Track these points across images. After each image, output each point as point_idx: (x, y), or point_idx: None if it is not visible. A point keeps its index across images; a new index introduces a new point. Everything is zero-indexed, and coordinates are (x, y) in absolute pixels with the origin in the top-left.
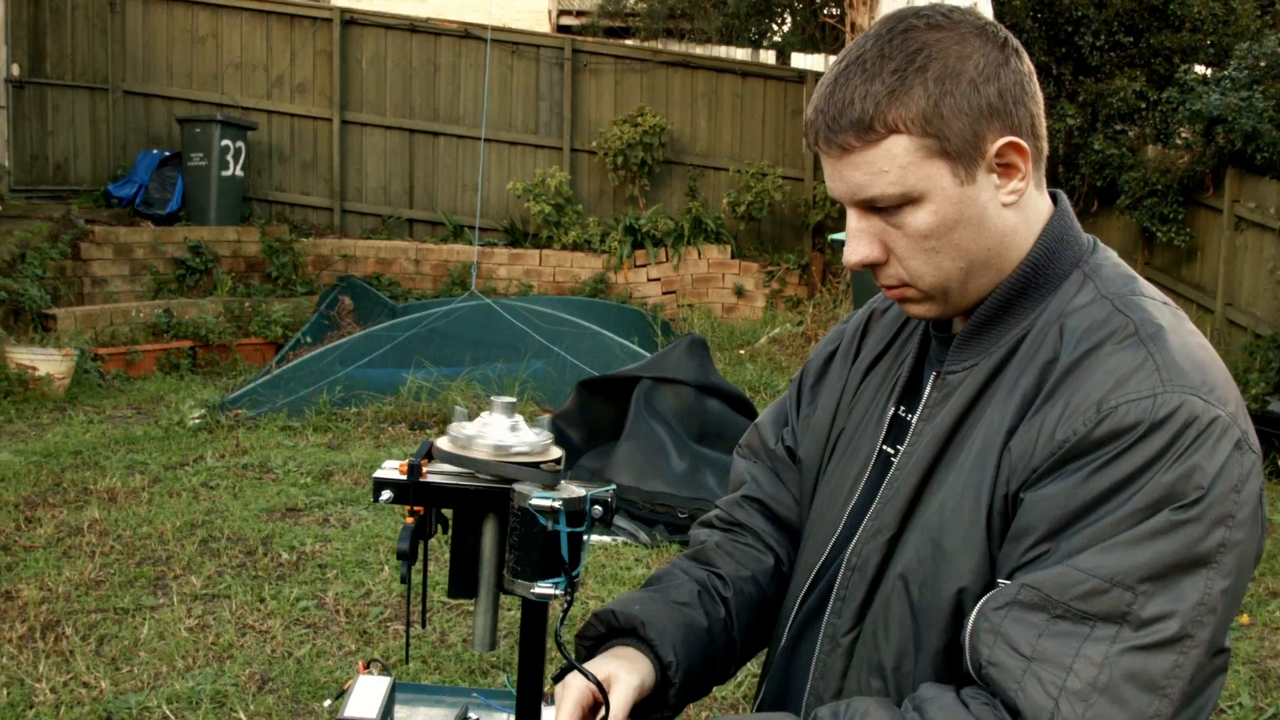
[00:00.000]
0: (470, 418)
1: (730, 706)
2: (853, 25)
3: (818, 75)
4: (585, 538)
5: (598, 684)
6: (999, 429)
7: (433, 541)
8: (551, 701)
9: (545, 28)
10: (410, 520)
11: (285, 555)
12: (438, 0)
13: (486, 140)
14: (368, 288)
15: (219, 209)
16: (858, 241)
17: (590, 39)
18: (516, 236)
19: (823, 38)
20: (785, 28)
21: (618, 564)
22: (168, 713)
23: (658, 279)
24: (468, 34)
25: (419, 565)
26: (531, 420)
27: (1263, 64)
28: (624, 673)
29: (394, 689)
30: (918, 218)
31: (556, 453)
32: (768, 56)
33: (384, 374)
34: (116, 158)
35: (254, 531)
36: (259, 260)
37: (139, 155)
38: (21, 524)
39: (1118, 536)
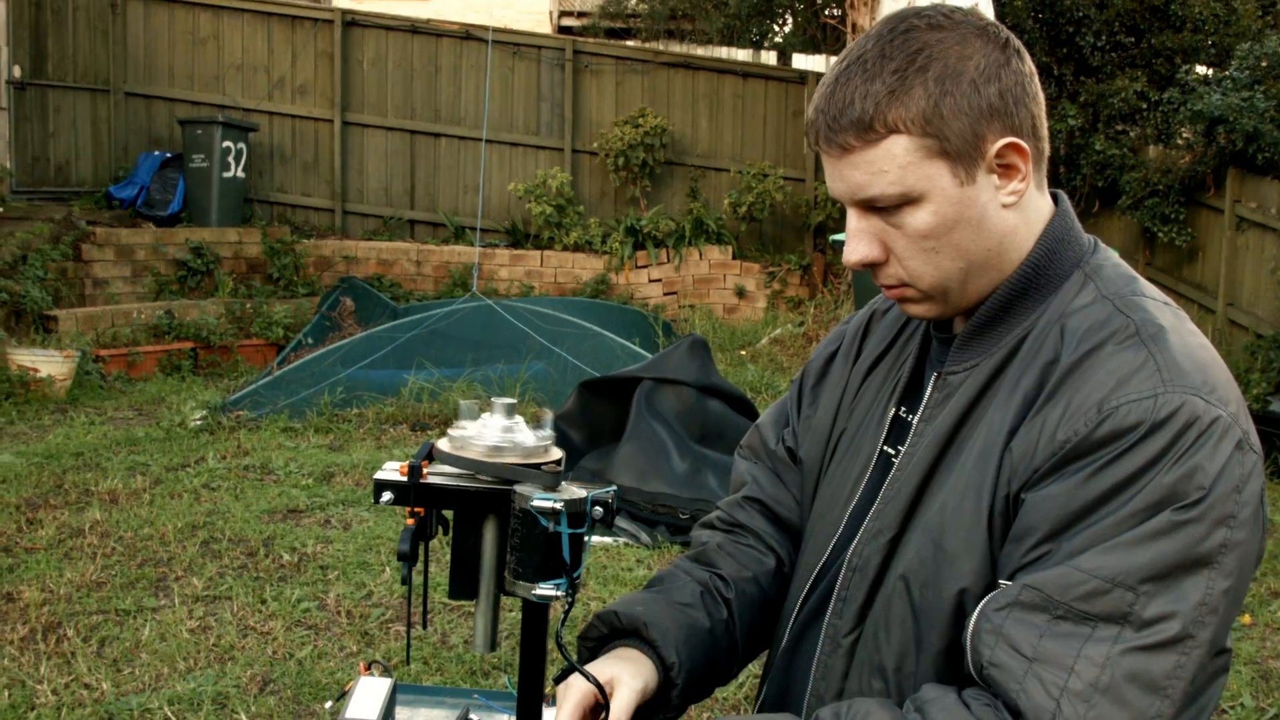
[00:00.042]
0: (479, 412)
1: (731, 707)
2: (854, 26)
3: (819, 76)
4: (586, 539)
5: (598, 686)
6: (1000, 430)
7: (434, 542)
8: (553, 703)
9: (546, 29)
10: (411, 522)
11: (286, 556)
12: (439, 1)
13: (488, 141)
14: (369, 289)
15: (220, 210)
16: (857, 241)
17: (591, 40)
18: (518, 237)
19: (824, 39)
20: (786, 29)
21: (619, 565)
22: (169, 714)
23: (659, 280)
24: (469, 35)
25: (420, 566)
26: (532, 421)
27: (1264, 64)
28: (627, 676)
29: (395, 690)
30: (917, 218)
31: (557, 454)
32: (769, 57)
33: (385, 375)
34: (118, 159)
35: (255, 533)
36: (260, 261)
37: (140, 157)
38: (23, 525)
39: (1119, 537)
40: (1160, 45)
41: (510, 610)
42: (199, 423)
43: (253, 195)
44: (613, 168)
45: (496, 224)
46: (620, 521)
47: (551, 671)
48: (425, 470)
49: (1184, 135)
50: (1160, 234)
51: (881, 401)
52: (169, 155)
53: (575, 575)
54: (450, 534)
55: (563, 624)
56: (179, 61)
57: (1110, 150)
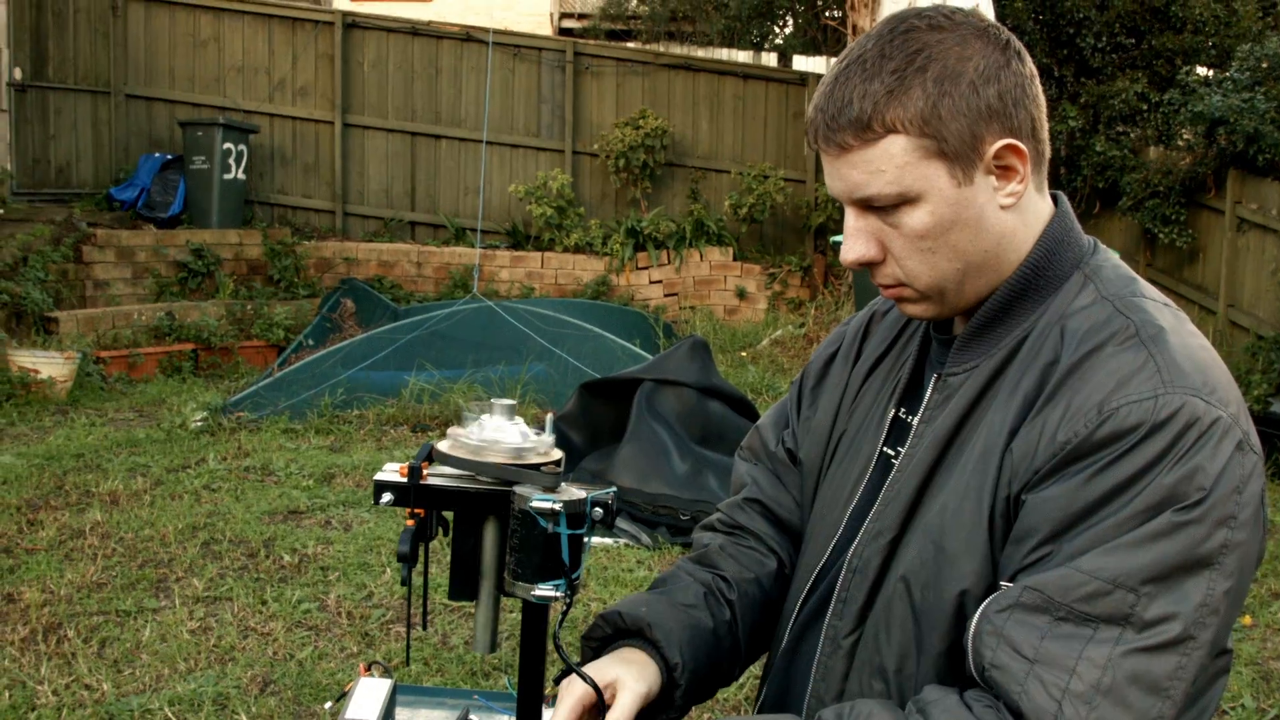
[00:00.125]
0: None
1: (732, 708)
2: (854, 27)
3: (819, 78)
4: (586, 540)
5: (595, 687)
6: (1000, 431)
7: (434, 543)
8: (554, 704)
9: (547, 30)
10: (411, 523)
11: (287, 557)
12: (439, 3)
13: (488, 143)
14: (370, 290)
15: (221, 212)
16: (855, 240)
17: (592, 42)
18: (518, 239)
19: (824, 40)
20: (787, 30)
21: (619, 566)
22: (169, 715)
23: (659, 281)
24: (469, 37)
25: (420, 568)
26: (533, 422)
27: (1264, 65)
28: (631, 680)
29: (395, 691)
30: (914, 218)
31: (557, 455)
32: (769, 59)
33: (386, 376)
34: (118, 161)
35: (256, 534)
36: (261, 263)
37: (141, 158)
38: (23, 526)
39: (1120, 538)
40: (1161, 46)
41: (510, 611)
42: (200, 424)
43: (253, 197)
44: (613, 169)
45: (497, 225)
46: (621, 523)
47: (551, 672)
48: (425, 471)
49: (1185, 136)
50: (1161, 235)
51: (881, 403)
52: (170, 157)
53: (574, 576)
54: (450, 535)
55: (560, 625)
56: (180, 63)
57: (1111, 151)
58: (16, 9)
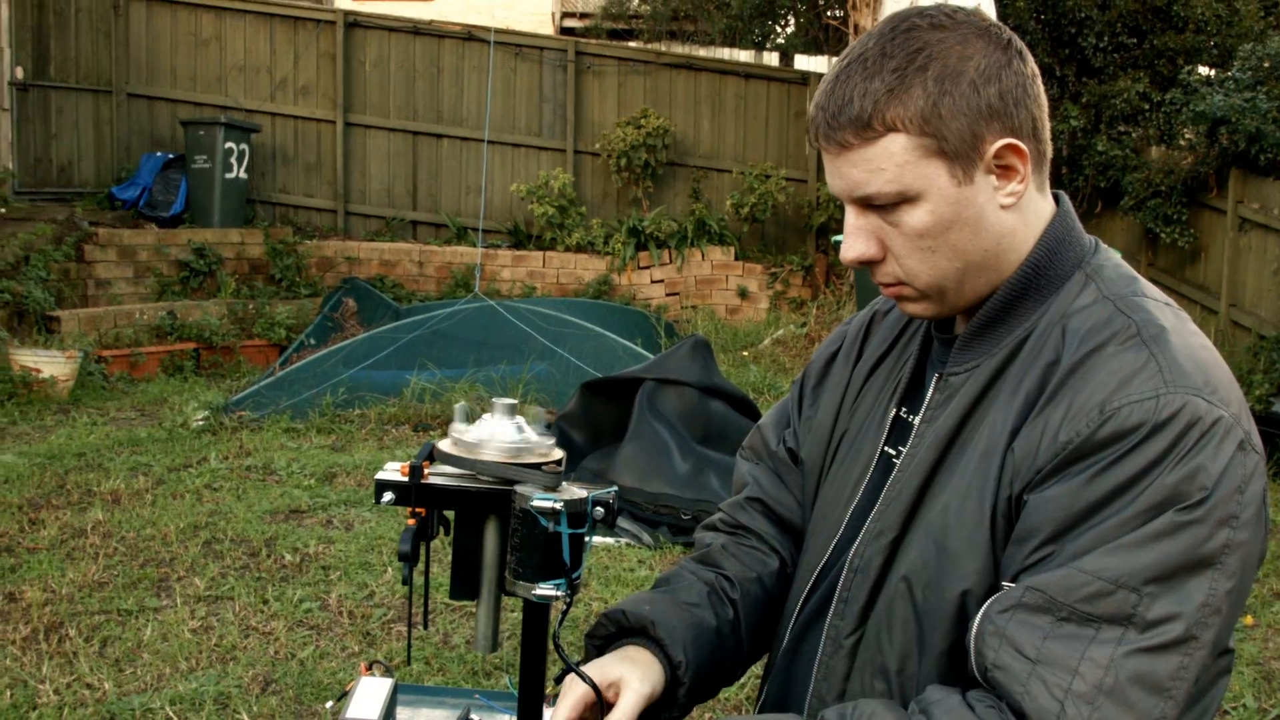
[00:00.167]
0: (472, 418)
1: (733, 708)
2: (856, 27)
3: (821, 77)
4: (587, 539)
5: (594, 687)
6: (1002, 430)
7: (436, 542)
8: (555, 703)
9: (548, 30)
10: (412, 522)
11: (288, 557)
12: (441, 3)
13: (490, 142)
14: (371, 290)
15: (223, 211)
16: (855, 238)
17: (594, 41)
18: (520, 238)
19: (826, 40)
20: (788, 30)
21: (621, 565)
22: (171, 714)
23: (661, 281)
24: (471, 36)
25: (421, 567)
26: (532, 421)
27: (1266, 65)
28: (636, 681)
29: (396, 690)
30: (914, 216)
31: (558, 454)
32: (771, 58)
33: (387, 376)
34: (120, 160)
35: (257, 533)
36: (263, 262)
37: (143, 158)
38: (25, 525)
39: (1122, 538)
40: (1162, 46)
41: (512, 610)
42: (201, 423)
43: (255, 196)
44: (615, 169)
45: (499, 225)
46: (622, 522)
47: (552, 672)
48: (426, 470)
49: (1186, 136)
50: (1163, 235)
51: (883, 402)
52: (171, 156)
53: (575, 576)
54: (451, 534)
55: (560, 624)
56: (181, 62)
57: (1112, 151)
58: (18, 8)
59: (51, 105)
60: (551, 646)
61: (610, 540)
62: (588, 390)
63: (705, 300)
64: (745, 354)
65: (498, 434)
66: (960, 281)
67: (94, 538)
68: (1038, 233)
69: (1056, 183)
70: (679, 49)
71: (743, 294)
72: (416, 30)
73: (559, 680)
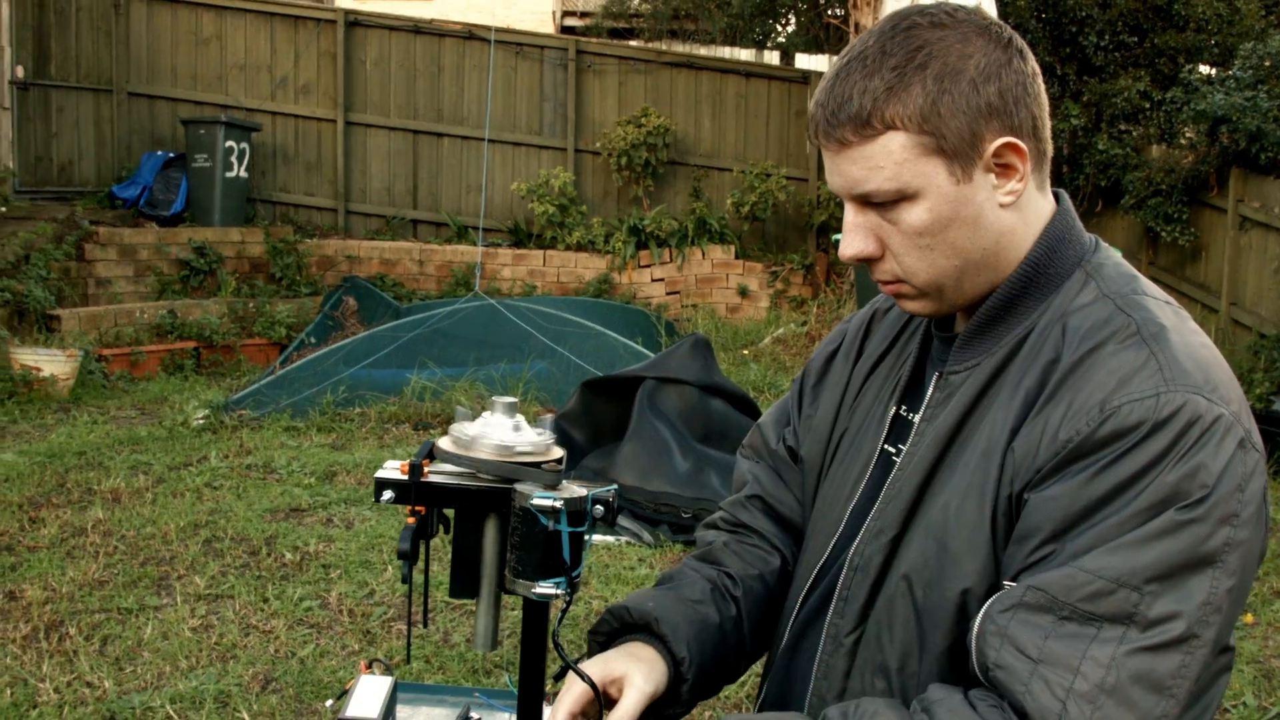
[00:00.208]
0: (474, 417)
1: (734, 706)
2: (857, 26)
3: (822, 76)
4: (586, 538)
5: (593, 686)
6: (1002, 429)
7: (436, 540)
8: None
9: (549, 29)
10: (412, 520)
11: (289, 555)
12: (442, 1)
13: (491, 141)
14: (372, 288)
15: (223, 210)
16: (853, 235)
17: (594, 40)
18: (520, 237)
19: (827, 38)
20: (789, 29)
21: (621, 564)
22: (171, 713)
23: (662, 279)
24: (472, 35)
25: (421, 565)
26: (534, 420)
27: (1267, 64)
28: (640, 679)
29: (395, 688)
30: (913, 214)
31: (558, 452)
32: (772, 57)
33: (388, 374)
34: (121, 159)
35: (257, 532)
36: (263, 261)
37: (143, 156)
38: (26, 524)
39: (1123, 537)
40: (1163, 45)
41: (512, 609)
42: (201, 422)
43: (256, 195)
44: (615, 167)
45: (499, 224)
46: (622, 520)
47: (552, 670)
48: (426, 469)
49: (1187, 135)
50: (1163, 233)
51: (883, 400)
52: (172, 155)
53: (575, 574)
54: (451, 532)
55: (559, 623)
56: (182, 61)
57: (1113, 150)
58: (19, 7)
59: (52, 104)
60: (551, 645)
61: (610, 538)
62: (588, 389)
63: (706, 299)
64: (746, 353)
65: (497, 432)
66: (959, 280)
67: (94, 536)
68: (1037, 231)
69: (1057, 181)
70: (680, 48)
71: (743, 293)
72: (417, 29)
73: (558, 678)
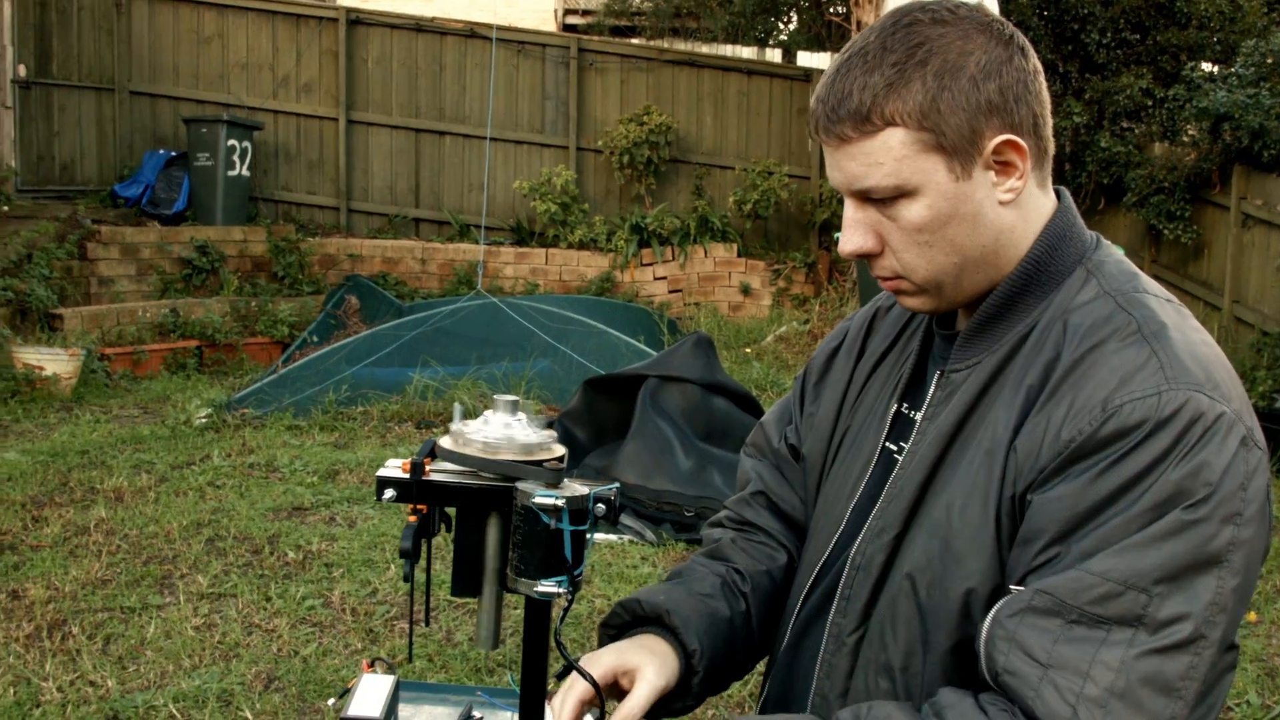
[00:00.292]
0: (472, 416)
1: (735, 705)
2: (858, 23)
3: (823, 73)
4: (589, 536)
5: (595, 686)
6: (1005, 428)
7: (437, 539)
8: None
9: (551, 27)
10: (413, 519)
11: (291, 554)
12: (443, 0)
13: (492, 139)
14: (374, 287)
15: (225, 209)
16: (853, 231)
17: (596, 38)
18: (523, 235)
19: (829, 36)
20: (791, 26)
21: (624, 563)
22: (174, 711)
23: (664, 277)
24: (473, 33)
25: (423, 564)
26: (535, 418)
27: (1269, 61)
28: (651, 673)
29: (398, 687)
30: (912, 211)
31: (560, 451)
32: (774, 55)
33: (390, 373)
34: (123, 158)
35: (260, 531)
36: (265, 260)
37: (145, 155)
38: (28, 523)
39: (1129, 538)
40: (1166, 42)
41: (514, 607)
42: (204, 421)
43: (258, 194)
44: (617, 165)
45: (501, 222)
46: (625, 519)
47: (555, 668)
48: (428, 467)
49: (1189, 132)
50: (1166, 231)
51: (884, 398)
52: (174, 154)
53: (577, 573)
54: (453, 531)
55: (561, 621)
56: (184, 60)
57: (1115, 147)
58: (21, 6)
59: (54, 103)
60: (553, 643)
61: (613, 537)
62: (590, 387)
63: (708, 297)
64: (748, 351)
65: (499, 430)
66: (958, 276)
67: (97, 535)
68: (1038, 229)
69: (1059, 179)
70: (681, 46)
71: (745, 291)
72: (419, 27)
73: (560, 677)
